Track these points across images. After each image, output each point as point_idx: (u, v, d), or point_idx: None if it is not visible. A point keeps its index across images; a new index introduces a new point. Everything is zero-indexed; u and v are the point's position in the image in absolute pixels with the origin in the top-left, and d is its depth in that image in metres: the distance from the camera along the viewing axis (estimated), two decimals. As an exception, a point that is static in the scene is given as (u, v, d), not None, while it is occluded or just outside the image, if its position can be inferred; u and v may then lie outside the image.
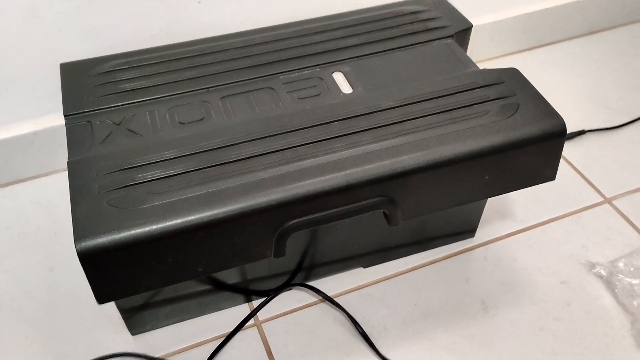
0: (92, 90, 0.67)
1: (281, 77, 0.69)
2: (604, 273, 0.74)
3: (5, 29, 0.74)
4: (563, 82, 1.04)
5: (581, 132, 0.92)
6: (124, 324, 0.68)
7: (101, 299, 0.55)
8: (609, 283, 0.73)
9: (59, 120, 0.83)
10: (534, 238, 0.79)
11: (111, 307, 0.71)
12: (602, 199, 0.84)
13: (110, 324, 0.70)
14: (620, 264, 0.74)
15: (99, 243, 0.51)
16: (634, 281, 0.72)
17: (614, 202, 0.83)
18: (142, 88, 0.67)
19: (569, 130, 0.93)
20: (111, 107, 0.65)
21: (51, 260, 0.76)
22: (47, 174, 0.88)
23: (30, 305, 0.72)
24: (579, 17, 1.10)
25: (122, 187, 0.56)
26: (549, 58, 1.09)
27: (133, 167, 0.58)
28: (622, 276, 0.72)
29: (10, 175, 0.86)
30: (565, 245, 0.78)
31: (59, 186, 0.86)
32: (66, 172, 0.87)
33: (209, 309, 0.70)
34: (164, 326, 0.69)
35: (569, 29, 1.12)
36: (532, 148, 0.61)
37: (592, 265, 0.75)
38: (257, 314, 0.71)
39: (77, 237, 0.51)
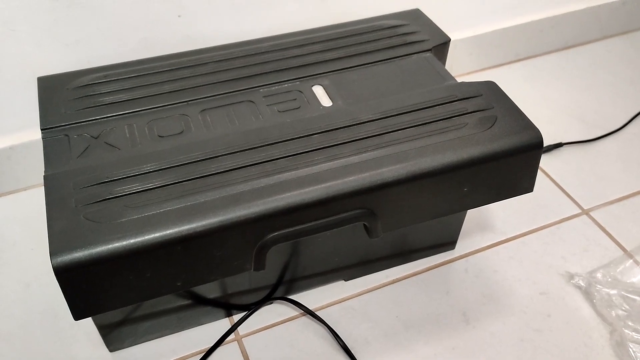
0: (70, 103, 0.66)
1: (261, 90, 0.69)
2: (582, 284, 0.74)
3: (-19, 42, 0.73)
4: (540, 96, 1.05)
5: (558, 145, 0.94)
6: (101, 340, 0.67)
7: (78, 314, 0.54)
8: (587, 293, 0.74)
9: (36, 134, 0.82)
10: (513, 249, 0.79)
11: (89, 323, 0.70)
12: (580, 211, 0.85)
13: (88, 341, 0.69)
14: (599, 275, 0.75)
15: (75, 258, 0.51)
16: (612, 291, 0.72)
17: (591, 213, 0.84)
18: (120, 101, 0.67)
19: (546, 143, 0.94)
20: (89, 120, 0.64)
21: (28, 276, 0.75)
22: (24, 189, 0.86)
23: (6, 322, 0.70)
24: (555, 32, 1.12)
25: (100, 200, 0.55)
26: (525, 72, 1.11)
27: (111, 181, 0.57)
28: (601, 287, 0.73)
29: (-14, 191, 0.85)
30: (544, 257, 0.78)
31: (36, 201, 0.84)
32: (43, 187, 0.86)
33: (188, 324, 0.69)
34: (143, 342, 0.68)
35: (546, 44, 1.14)
36: (510, 160, 0.62)
37: (571, 276, 0.76)
38: (238, 328, 0.70)
39: (53, 252, 0.51)
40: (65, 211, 0.54)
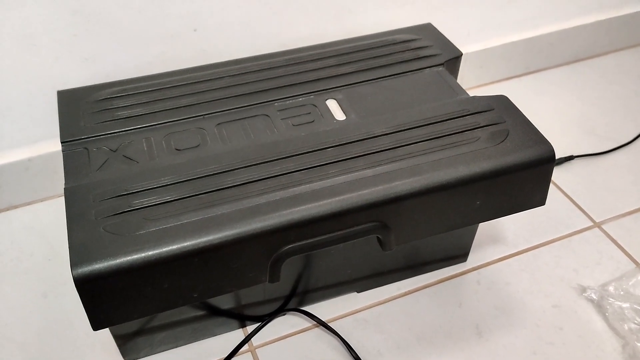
0: (89, 117, 0.68)
1: (276, 104, 0.70)
2: (594, 297, 0.74)
3: (2, 56, 0.75)
4: (551, 109, 1.06)
5: (570, 158, 0.94)
6: (117, 350, 0.68)
7: (97, 325, 0.55)
8: (599, 307, 0.74)
9: (54, 146, 0.84)
10: (525, 262, 0.80)
11: (105, 333, 0.71)
12: (592, 224, 0.85)
13: (104, 351, 0.69)
14: (611, 288, 0.75)
15: (95, 269, 0.52)
16: (624, 305, 0.73)
17: (603, 226, 0.84)
18: (138, 115, 0.68)
19: (558, 156, 0.94)
20: (108, 134, 0.66)
21: (45, 286, 0.76)
22: (41, 200, 0.88)
23: (23, 331, 0.71)
24: (566, 45, 1.13)
25: (119, 213, 0.56)
26: (536, 85, 1.11)
27: (129, 194, 0.58)
28: (613, 300, 0.73)
29: (4, 202, 0.86)
30: (556, 270, 0.79)
31: (53, 212, 0.86)
32: (61, 198, 0.88)
33: (203, 334, 0.70)
34: (158, 352, 0.69)
35: (556, 57, 1.14)
36: (522, 174, 0.63)
37: (583, 289, 0.76)
38: (252, 339, 0.71)
39: (74, 263, 0.52)
40: (85, 223, 0.55)
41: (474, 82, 1.10)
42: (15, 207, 0.87)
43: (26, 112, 0.81)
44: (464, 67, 1.05)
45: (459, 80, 1.06)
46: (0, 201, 0.86)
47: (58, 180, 0.86)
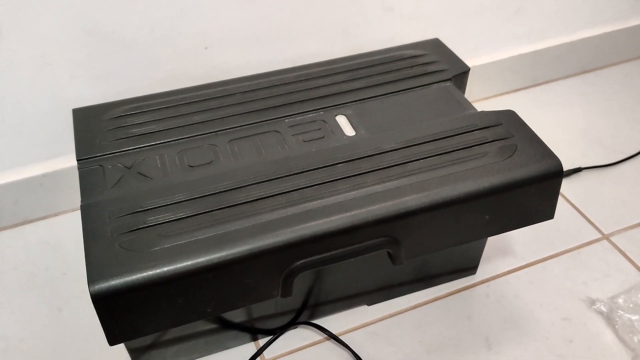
0: (104, 134, 0.69)
1: (286, 120, 0.71)
2: (604, 309, 0.75)
3: (18, 75, 0.76)
4: (558, 120, 1.06)
5: (578, 170, 0.95)
6: (132, 364, 0.69)
7: (113, 340, 0.56)
8: (609, 319, 0.74)
9: (68, 162, 0.85)
10: (534, 275, 0.80)
11: (119, 347, 0.71)
12: (600, 236, 0.85)
13: (118, 364, 0.71)
14: (620, 300, 0.75)
15: (112, 285, 0.53)
16: (634, 317, 0.73)
17: (611, 238, 0.85)
18: (152, 132, 0.69)
19: (565, 168, 0.95)
20: (122, 151, 0.67)
21: (59, 301, 0.77)
22: (55, 215, 0.89)
23: (38, 346, 0.73)
24: (572, 57, 1.14)
25: (134, 230, 0.57)
26: (544, 97, 1.12)
27: (144, 210, 0.59)
28: (622, 312, 0.74)
29: (20, 216, 0.87)
30: (565, 282, 0.79)
31: (67, 227, 0.87)
32: (74, 213, 0.89)
33: (215, 348, 0.71)
34: (171, 366, 0.70)
35: (563, 69, 1.15)
36: (531, 188, 0.63)
37: (593, 302, 0.76)
38: (263, 352, 0.72)
39: (91, 280, 0.53)
40: (101, 240, 0.56)
41: (481, 94, 1.11)
42: (30, 221, 0.88)
43: (41, 129, 0.82)
44: (471, 79, 1.06)
45: (466, 93, 1.06)
46: (15, 216, 0.87)
47: (72, 196, 0.88)
